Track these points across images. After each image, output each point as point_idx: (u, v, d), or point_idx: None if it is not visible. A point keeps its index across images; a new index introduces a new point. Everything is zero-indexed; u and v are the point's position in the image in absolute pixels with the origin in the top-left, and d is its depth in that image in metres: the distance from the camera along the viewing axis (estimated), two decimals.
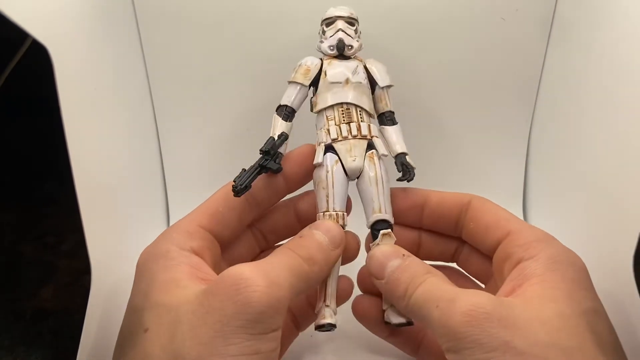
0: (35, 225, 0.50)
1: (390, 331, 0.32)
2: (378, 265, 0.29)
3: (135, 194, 0.42)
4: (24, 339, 0.40)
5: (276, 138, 0.31)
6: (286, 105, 0.32)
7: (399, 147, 0.32)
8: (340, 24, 0.32)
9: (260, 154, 0.30)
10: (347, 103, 0.31)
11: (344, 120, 0.31)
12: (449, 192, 0.32)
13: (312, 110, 0.32)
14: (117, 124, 0.40)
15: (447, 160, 0.48)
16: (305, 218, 0.32)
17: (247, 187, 0.29)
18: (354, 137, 0.31)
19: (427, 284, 0.27)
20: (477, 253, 0.32)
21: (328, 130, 0.31)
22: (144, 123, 0.45)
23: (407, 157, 0.32)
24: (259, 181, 0.31)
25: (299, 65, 0.32)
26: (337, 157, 0.31)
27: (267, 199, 0.32)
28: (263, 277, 0.24)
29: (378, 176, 0.31)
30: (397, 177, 0.32)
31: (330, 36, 0.32)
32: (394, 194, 0.32)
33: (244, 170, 0.30)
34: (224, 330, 0.22)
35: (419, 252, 0.33)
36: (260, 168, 0.30)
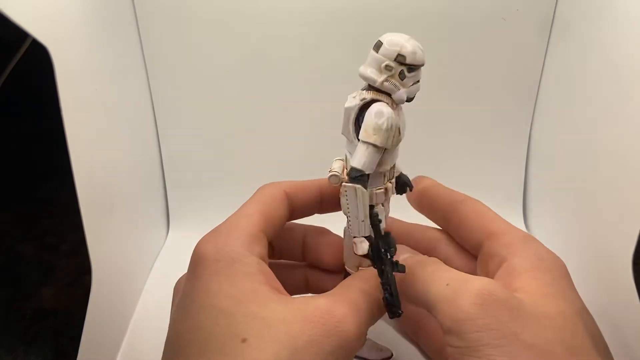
0: (35, 225, 0.50)
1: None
2: None
3: (135, 193, 0.42)
4: (24, 339, 0.40)
5: (382, 232, 0.27)
6: (368, 175, 0.26)
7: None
8: (420, 73, 0.27)
9: (383, 255, 0.27)
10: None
11: (390, 178, 0.28)
12: (447, 188, 0.32)
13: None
14: (117, 124, 0.40)
15: (447, 160, 0.48)
16: (308, 252, 0.33)
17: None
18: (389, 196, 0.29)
19: (435, 265, 0.27)
20: (461, 252, 0.32)
21: (385, 189, 0.28)
22: (144, 123, 0.45)
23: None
24: (304, 197, 0.30)
25: (390, 125, 0.25)
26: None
27: (300, 216, 0.32)
28: (357, 325, 0.25)
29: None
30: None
31: (411, 85, 0.26)
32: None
33: (381, 271, 0.27)
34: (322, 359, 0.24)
35: (409, 238, 0.33)
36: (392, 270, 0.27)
